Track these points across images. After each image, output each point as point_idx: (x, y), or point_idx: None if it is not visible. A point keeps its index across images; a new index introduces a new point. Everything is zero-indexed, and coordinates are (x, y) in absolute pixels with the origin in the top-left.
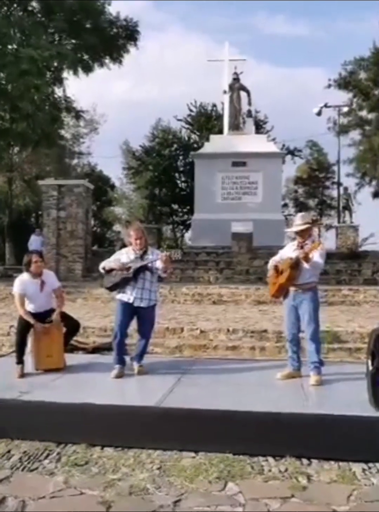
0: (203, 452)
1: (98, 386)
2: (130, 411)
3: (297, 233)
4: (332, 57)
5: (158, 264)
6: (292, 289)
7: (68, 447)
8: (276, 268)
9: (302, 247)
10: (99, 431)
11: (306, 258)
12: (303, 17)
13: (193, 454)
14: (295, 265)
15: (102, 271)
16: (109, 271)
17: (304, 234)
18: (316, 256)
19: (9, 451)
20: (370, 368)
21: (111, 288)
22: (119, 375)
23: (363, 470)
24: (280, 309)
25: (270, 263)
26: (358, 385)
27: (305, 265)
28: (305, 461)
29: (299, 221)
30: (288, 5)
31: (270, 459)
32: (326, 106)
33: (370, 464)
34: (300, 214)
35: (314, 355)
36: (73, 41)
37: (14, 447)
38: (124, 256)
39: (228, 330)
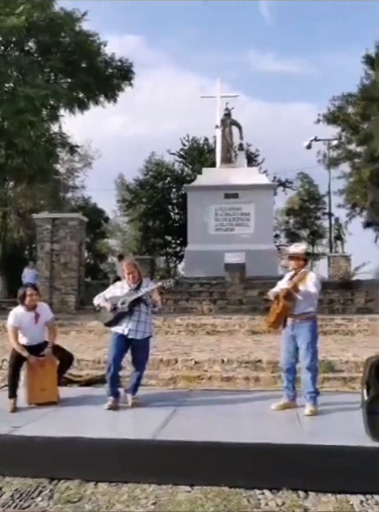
0: (198, 485)
1: (92, 420)
2: (125, 444)
3: (291, 259)
4: (320, 92)
5: (155, 296)
6: (289, 319)
7: (61, 483)
8: (276, 298)
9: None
10: (93, 466)
11: (295, 288)
12: (292, 55)
13: (188, 488)
14: (287, 295)
15: (97, 307)
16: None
17: (296, 263)
18: (309, 286)
19: (0, 489)
20: (366, 398)
21: (109, 324)
22: (113, 408)
23: (361, 502)
24: (274, 339)
25: (270, 294)
26: (353, 415)
27: (297, 295)
28: (302, 493)
29: (292, 249)
30: (277, 43)
31: (267, 492)
32: (315, 139)
33: (368, 496)
34: (294, 244)
35: (310, 385)
36: (69, 80)
37: (5, 484)
38: (118, 290)
39: (223, 361)
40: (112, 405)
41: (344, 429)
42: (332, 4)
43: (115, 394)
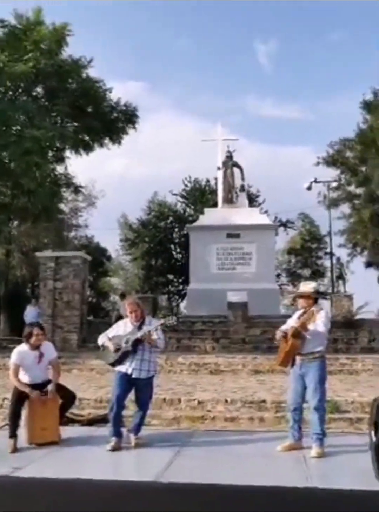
0: None
1: (94, 461)
2: (127, 486)
3: (299, 298)
4: (316, 136)
5: (159, 334)
6: (298, 358)
7: None
8: (285, 336)
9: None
10: (95, 509)
11: (304, 327)
12: (289, 100)
13: None
14: (296, 334)
15: (101, 347)
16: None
17: (305, 301)
18: (319, 326)
19: None
20: (374, 439)
21: (114, 364)
22: (116, 448)
23: None
24: (277, 379)
25: (278, 332)
26: (361, 457)
27: (306, 334)
28: None
29: (302, 288)
30: (275, 89)
31: None
32: (315, 181)
33: None
34: (302, 282)
35: (317, 426)
36: (75, 123)
37: None
38: (122, 328)
39: (226, 401)
40: (115, 446)
41: (353, 472)
42: (327, 52)
43: (118, 434)
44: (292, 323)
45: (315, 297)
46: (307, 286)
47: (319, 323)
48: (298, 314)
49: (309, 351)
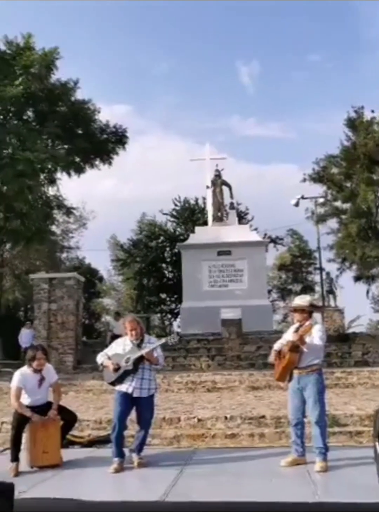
0: None
1: (97, 482)
2: (132, 507)
3: (294, 312)
4: (301, 154)
5: (159, 352)
6: (296, 372)
7: None
8: (279, 352)
9: (298, 329)
10: None
11: (301, 341)
12: (272, 119)
13: None
14: (294, 348)
15: (100, 367)
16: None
17: (300, 315)
18: (316, 339)
19: None
20: None
21: (114, 383)
22: (119, 469)
23: None
24: (275, 394)
25: (275, 345)
26: (365, 470)
27: (304, 347)
28: None
29: (297, 302)
30: (258, 109)
31: None
32: (302, 197)
33: None
34: (299, 296)
35: (319, 440)
36: (66, 146)
37: None
38: (120, 347)
39: (226, 418)
40: (117, 468)
41: (358, 485)
42: (307, 72)
43: (121, 454)
44: (288, 337)
45: (309, 311)
46: (303, 300)
47: (316, 336)
48: (293, 328)
49: (306, 364)
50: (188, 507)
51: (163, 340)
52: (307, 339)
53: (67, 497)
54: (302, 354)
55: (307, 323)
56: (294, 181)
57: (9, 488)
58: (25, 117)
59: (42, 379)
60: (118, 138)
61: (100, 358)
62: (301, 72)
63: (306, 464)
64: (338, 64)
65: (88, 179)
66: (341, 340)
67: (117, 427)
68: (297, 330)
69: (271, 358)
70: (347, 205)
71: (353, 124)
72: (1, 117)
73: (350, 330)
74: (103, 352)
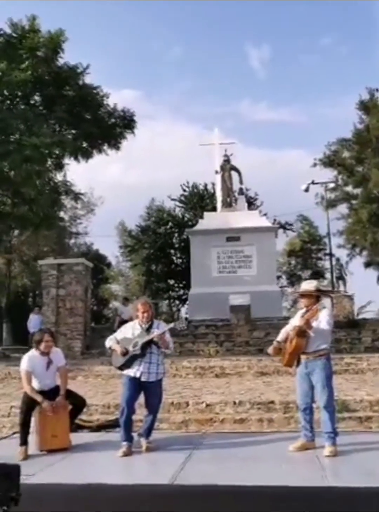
0: None
1: (106, 466)
2: (141, 490)
3: (301, 297)
4: (312, 139)
5: (167, 336)
6: (303, 357)
7: None
8: (287, 338)
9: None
10: None
11: (307, 325)
12: (283, 104)
13: None
14: (300, 333)
15: (109, 350)
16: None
17: (307, 300)
18: (322, 323)
19: None
20: None
21: (122, 368)
22: (127, 453)
23: None
24: (284, 380)
25: (280, 335)
26: (374, 456)
27: (310, 332)
28: None
29: (304, 286)
30: (269, 93)
31: None
32: (313, 183)
33: None
34: (305, 281)
35: (328, 425)
36: (74, 130)
37: None
38: (129, 331)
39: (234, 403)
40: (126, 452)
41: (367, 470)
42: (319, 55)
43: (129, 439)
44: (295, 323)
45: (317, 296)
46: (309, 285)
47: (322, 320)
48: (300, 314)
49: (313, 349)
50: (196, 490)
51: (171, 325)
52: (314, 324)
53: (76, 480)
54: (309, 339)
55: (314, 307)
56: (304, 167)
57: (14, 470)
58: (32, 102)
59: (49, 362)
60: (126, 122)
61: (109, 342)
62: (312, 55)
63: (315, 449)
64: (350, 47)
65: (96, 165)
66: (350, 326)
67: (125, 411)
68: (303, 315)
69: (270, 350)
70: (358, 190)
71: (366, 106)
72: (8, 102)
73: (360, 316)
74: (112, 336)
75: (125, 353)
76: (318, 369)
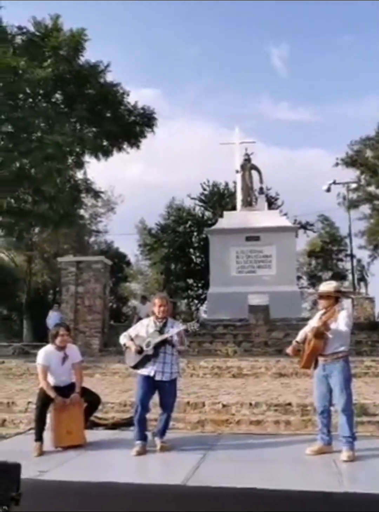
0: None
1: (120, 464)
2: (155, 490)
3: (320, 298)
4: (333, 139)
5: (175, 338)
6: (321, 359)
7: None
8: (305, 339)
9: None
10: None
11: (325, 327)
12: (304, 104)
13: None
14: (318, 334)
15: (123, 347)
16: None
17: (326, 301)
18: (341, 325)
19: None
20: None
21: (135, 367)
22: (141, 452)
23: None
24: (302, 382)
25: (298, 335)
26: None
27: (328, 334)
28: None
29: (322, 288)
30: (289, 92)
31: None
32: (334, 183)
33: None
34: (325, 282)
35: (346, 429)
36: (94, 129)
37: None
38: (144, 329)
39: (251, 404)
40: (140, 450)
41: None
42: (338, 54)
43: (143, 437)
44: (313, 324)
45: (336, 297)
46: (328, 286)
47: (341, 322)
48: (319, 315)
49: (331, 351)
50: (210, 492)
51: (184, 327)
52: (332, 325)
53: (90, 477)
54: (327, 341)
55: (332, 308)
56: (324, 166)
57: (14, 468)
58: (53, 100)
59: (65, 357)
60: (146, 120)
61: (123, 338)
62: (332, 54)
63: (332, 453)
64: (370, 45)
65: (116, 163)
66: (371, 329)
67: (139, 409)
68: (322, 317)
69: (289, 349)
70: None
71: None
72: (30, 100)
73: None
74: (126, 333)
75: (139, 351)
76: (336, 371)
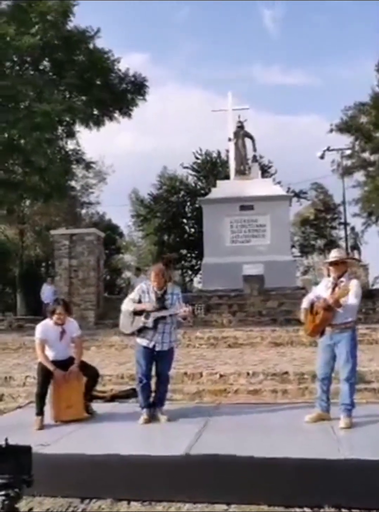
0: (235, 504)
1: (121, 436)
2: (157, 461)
3: (331, 265)
4: (326, 103)
5: (180, 313)
6: (328, 328)
7: (93, 503)
8: (312, 306)
9: (336, 285)
10: (125, 484)
11: (337, 304)
12: (297, 67)
13: (225, 506)
14: (328, 307)
15: (128, 314)
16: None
17: (338, 269)
18: (351, 298)
19: (30, 509)
20: None
21: (130, 334)
22: (148, 420)
23: None
24: (298, 351)
25: (304, 302)
26: None
27: (339, 310)
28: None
29: (334, 254)
30: (282, 55)
31: (307, 510)
32: (328, 149)
33: None
34: (336, 249)
35: (347, 397)
36: (84, 97)
37: (36, 504)
38: (146, 296)
39: (248, 374)
40: (147, 418)
41: None
42: (333, 15)
43: (149, 405)
44: (319, 291)
45: (345, 264)
46: (340, 252)
47: (352, 295)
48: (326, 281)
49: (340, 321)
50: (212, 460)
51: (189, 309)
52: (342, 300)
53: (92, 450)
54: (335, 313)
55: (343, 284)
56: (319, 133)
57: (25, 452)
58: (41, 67)
59: (63, 332)
60: (137, 87)
61: (130, 305)
62: (327, 14)
63: (330, 420)
64: (366, 5)
65: (106, 132)
66: (365, 297)
67: (143, 379)
68: (333, 288)
69: (302, 316)
70: (375, 157)
71: None
72: (17, 67)
73: (375, 286)
74: (129, 299)
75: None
76: (344, 340)
